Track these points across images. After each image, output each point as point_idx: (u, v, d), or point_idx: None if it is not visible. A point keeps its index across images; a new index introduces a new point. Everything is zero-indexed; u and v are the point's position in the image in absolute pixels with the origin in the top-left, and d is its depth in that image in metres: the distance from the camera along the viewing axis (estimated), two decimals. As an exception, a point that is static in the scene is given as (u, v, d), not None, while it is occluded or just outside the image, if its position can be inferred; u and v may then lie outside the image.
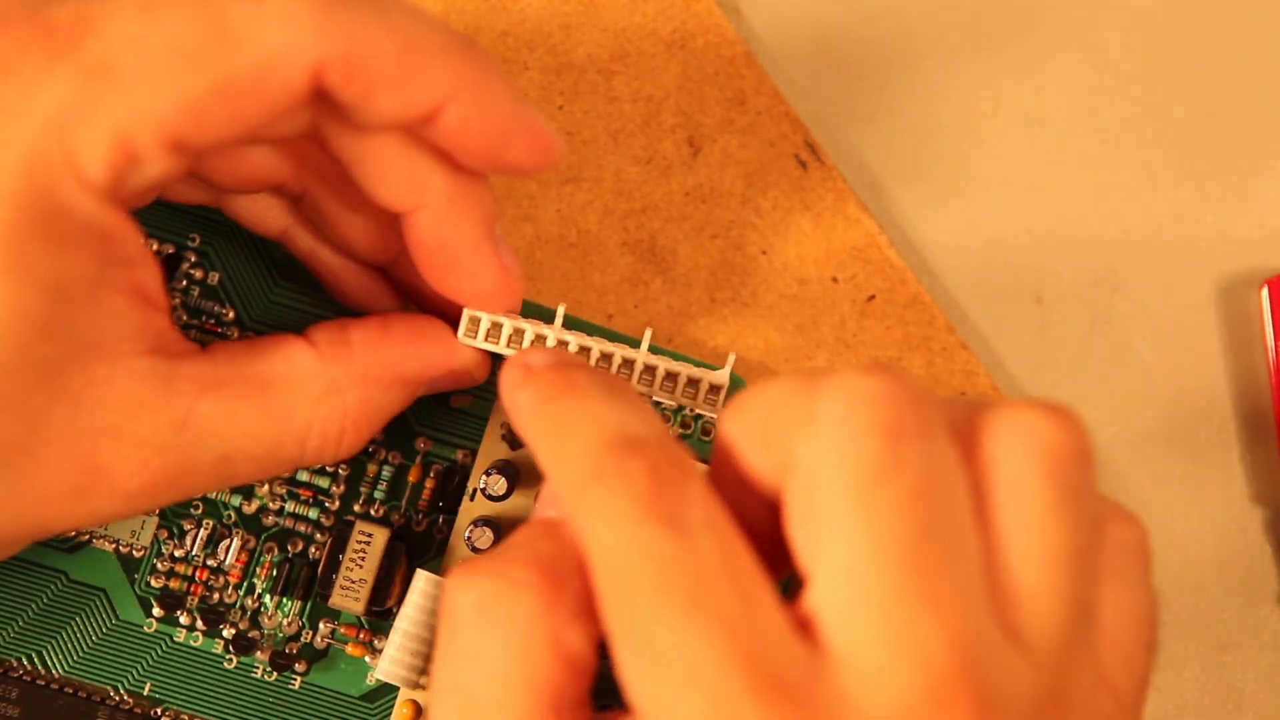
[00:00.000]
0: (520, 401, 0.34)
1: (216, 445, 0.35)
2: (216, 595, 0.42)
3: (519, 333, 0.38)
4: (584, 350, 0.38)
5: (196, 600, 0.42)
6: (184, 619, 0.42)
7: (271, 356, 0.36)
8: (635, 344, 0.40)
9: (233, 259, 0.42)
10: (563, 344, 0.38)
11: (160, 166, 0.33)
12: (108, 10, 0.33)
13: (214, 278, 0.42)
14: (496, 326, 0.38)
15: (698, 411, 0.37)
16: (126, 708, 0.42)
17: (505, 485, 0.42)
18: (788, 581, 0.31)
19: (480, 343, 0.38)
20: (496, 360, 0.39)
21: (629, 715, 0.30)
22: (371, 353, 0.37)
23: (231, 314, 0.42)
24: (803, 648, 0.28)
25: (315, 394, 0.36)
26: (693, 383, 0.39)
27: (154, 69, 0.32)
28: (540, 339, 0.38)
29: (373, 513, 0.42)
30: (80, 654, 0.42)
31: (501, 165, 0.35)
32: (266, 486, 0.42)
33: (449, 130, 0.34)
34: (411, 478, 0.42)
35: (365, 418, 0.37)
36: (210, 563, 0.42)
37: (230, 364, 0.36)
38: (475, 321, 0.38)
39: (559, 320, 0.39)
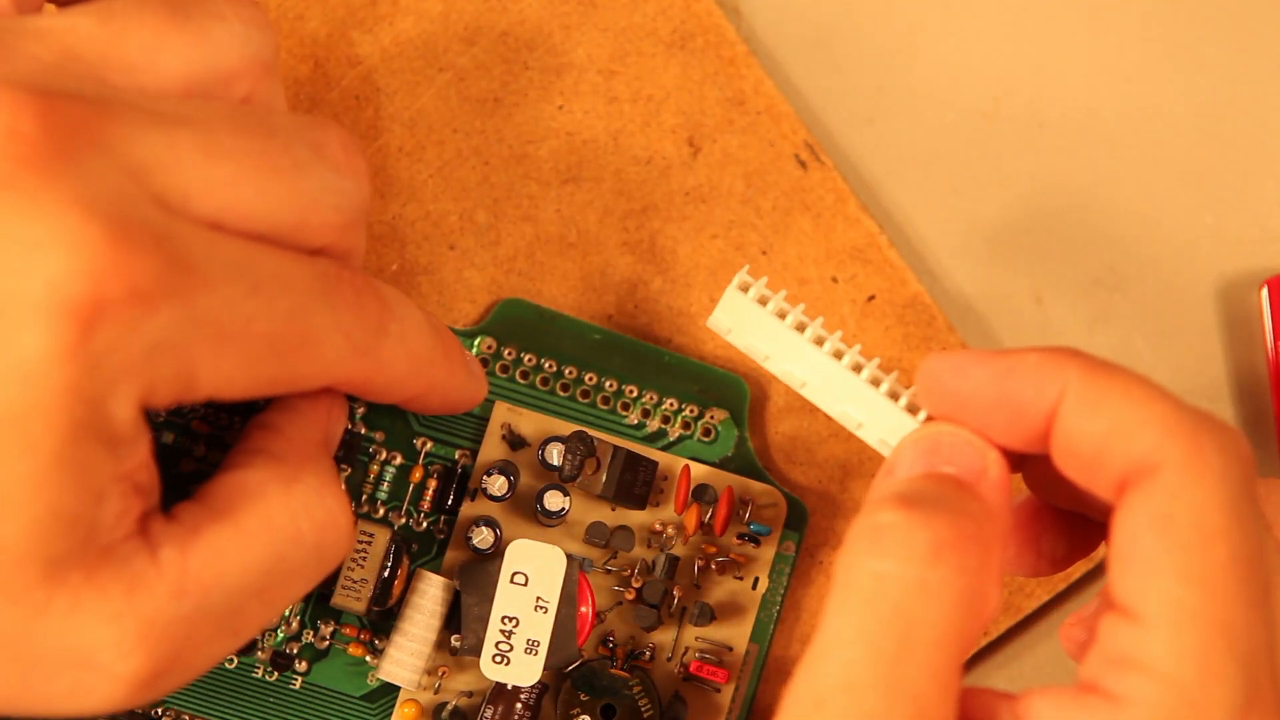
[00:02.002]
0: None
1: (219, 596, 0.34)
2: (217, 595, 0.42)
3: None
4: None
5: (197, 600, 0.42)
6: (185, 619, 0.42)
7: (224, 476, 0.36)
8: None
9: (233, 259, 0.42)
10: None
11: (195, 400, 0.34)
12: (223, 275, 0.33)
13: (214, 278, 0.42)
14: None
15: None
16: (127, 708, 0.42)
17: (505, 485, 0.42)
18: None
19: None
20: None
21: (1133, 624, 0.31)
22: (321, 414, 0.38)
23: (232, 314, 0.42)
24: None
25: (278, 489, 0.36)
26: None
27: (249, 347, 0.33)
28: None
29: (373, 513, 0.42)
30: (81, 654, 0.42)
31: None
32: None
33: (433, 407, 0.40)
34: (413, 478, 0.43)
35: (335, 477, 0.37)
36: (211, 563, 0.42)
37: (198, 506, 0.35)
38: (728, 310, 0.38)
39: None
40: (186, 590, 0.33)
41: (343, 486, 0.37)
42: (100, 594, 0.32)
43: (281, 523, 0.35)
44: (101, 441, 0.32)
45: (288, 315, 0.34)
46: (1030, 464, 0.36)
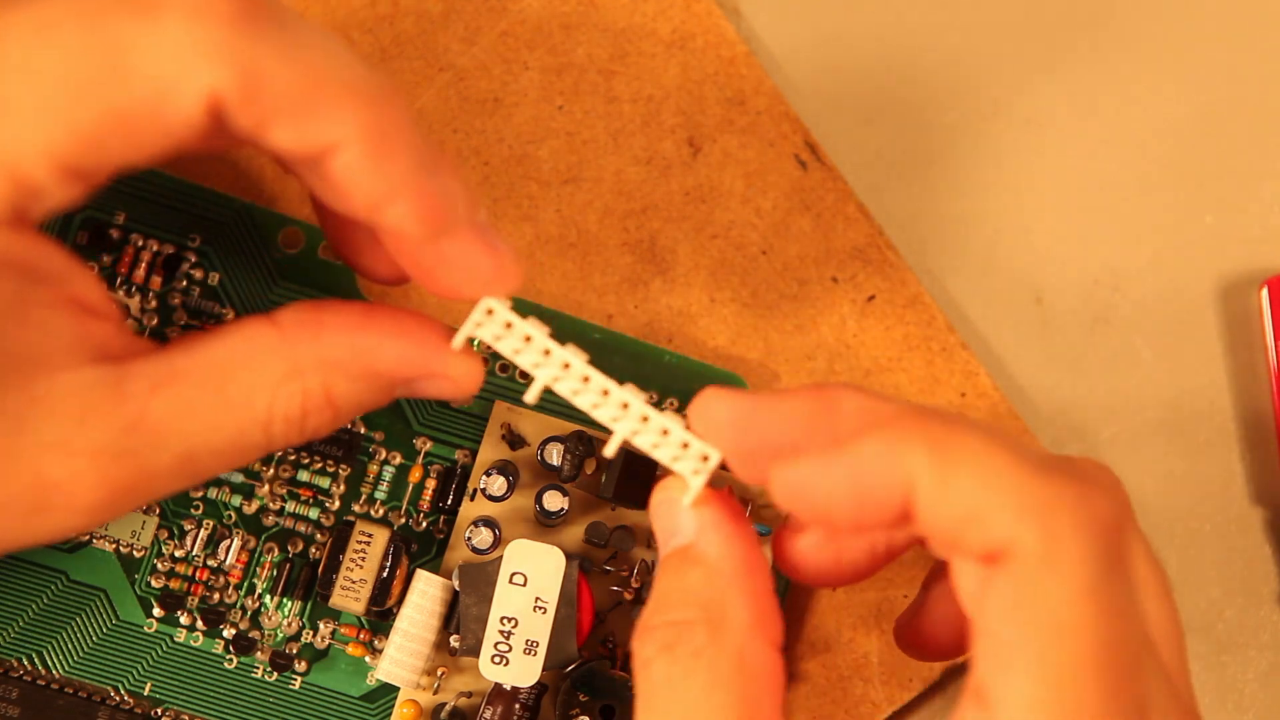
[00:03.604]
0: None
1: (176, 443, 0.33)
2: (217, 595, 0.42)
3: (527, 340, 0.36)
4: (584, 380, 0.37)
5: (197, 600, 0.42)
6: (184, 619, 0.42)
7: (230, 339, 0.34)
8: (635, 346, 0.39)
9: (233, 259, 0.42)
10: (565, 366, 0.37)
11: (61, 194, 0.32)
12: (2, 31, 0.31)
13: (214, 278, 0.42)
14: (502, 327, 0.37)
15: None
16: (127, 708, 0.42)
17: (505, 485, 0.42)
18: None
19: (486, 336, 0.37)
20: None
21: (987, 712, 0.31)
22: (341, 338, 0.35)
23: (231, 314, 0.42)
24: None
25: (275, 377, 0.34)
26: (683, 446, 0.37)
27: (42, 100, 0.31)
28: (546, 353, 0.37)
29: (373, 513, 0.42)
30: (80, 654, 0.42)
31: (379, 223, 0.34)
32: (267, 487, 0.42)
33: (333, 176, 0.33)
34: (412, 478, 0.43)
35: (329, 403, 0.35)
36: (210, 563, 0.42)
37: (186, 354, 0.34)
38: (480, 321, 0.36)
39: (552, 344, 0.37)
40: (142, 428, 0.33)
41: (335, 404, 0.35)
42: (50, 417, 0.32)
43: (260, 406, 0.34)
44: None
45: (77, 49, 0.31)
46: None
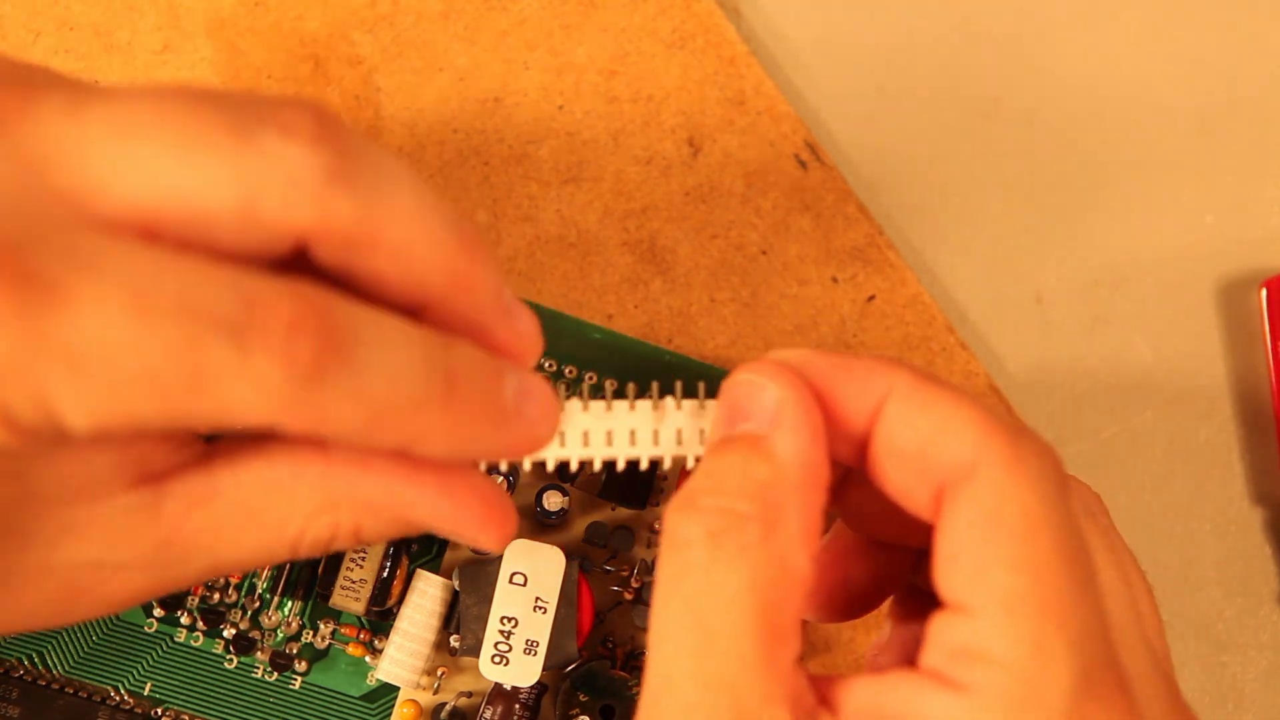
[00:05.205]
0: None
1: (204, 559, 0.34)
2: (217, 595, 0.42)
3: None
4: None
5: (197, 600, 0.42)
6: (184, 619, 0.42)
7: (276, 463, 0.34)
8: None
9: (233, 259, 0.42)
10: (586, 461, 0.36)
11: (82, 442, 0.31)
12: (93, 292, 0.29)
13: (214, 278, 0.42)
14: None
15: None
16: (127, 708, 0.42)
17: (504, 485, 0.42)
18: None
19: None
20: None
21: (967, 618, 0.32)
22: (384, 486, 0.34)
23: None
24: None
25: (311, 507, 0.34)
26: None
27: (113, 379, 0.30)
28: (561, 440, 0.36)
29: (373, 513, 0.42)
30: (81, 654, 0.42)
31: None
32: (267, 487, 0.42)
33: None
34: (411, 478, 0.43)
35: (354, 535, 0.35)
36: (210, 563, 0.42)
37: (230, 471, 0.34)
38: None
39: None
40: (174, 544, 0.33)
41: (360, 537, 0.35)
42: (82, 542, 0.33)
43: (291, 532, 0.34)
44: None
45: (170, 350, 0.30)
46: (847, 492, 0.36)
